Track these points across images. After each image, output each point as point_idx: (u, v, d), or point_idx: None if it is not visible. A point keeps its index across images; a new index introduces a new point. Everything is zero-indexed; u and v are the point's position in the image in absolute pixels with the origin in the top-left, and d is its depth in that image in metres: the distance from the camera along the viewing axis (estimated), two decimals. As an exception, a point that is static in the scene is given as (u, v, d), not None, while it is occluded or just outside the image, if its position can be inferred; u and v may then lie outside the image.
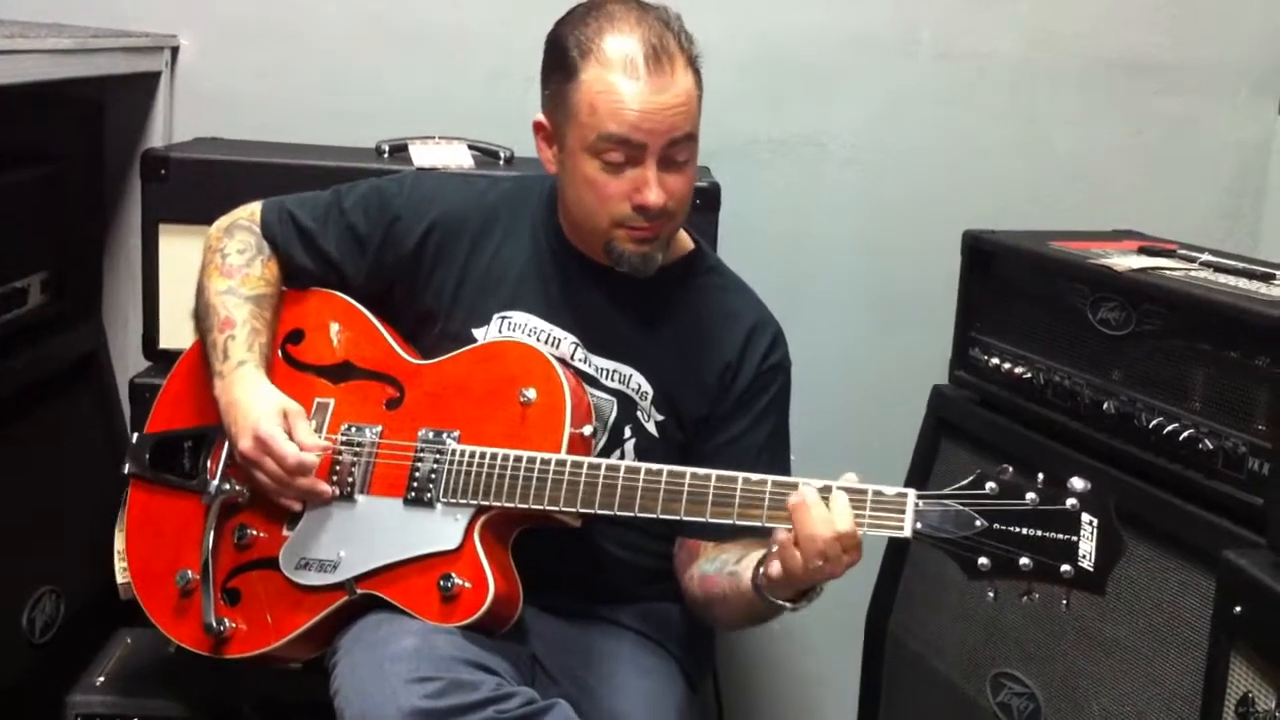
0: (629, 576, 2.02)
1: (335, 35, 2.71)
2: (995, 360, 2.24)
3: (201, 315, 1.99)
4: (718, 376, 1.99)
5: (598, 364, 1.98)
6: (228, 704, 2.03)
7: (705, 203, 2.36)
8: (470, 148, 2.53)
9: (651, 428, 1.99)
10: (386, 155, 2.49)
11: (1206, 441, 1.85)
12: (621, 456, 1.96)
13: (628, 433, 1.98)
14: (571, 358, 1.97)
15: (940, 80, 2.77)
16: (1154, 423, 1.93)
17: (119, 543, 2.00)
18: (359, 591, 1.81)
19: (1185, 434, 1.88)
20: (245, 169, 2.35)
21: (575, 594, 1.99)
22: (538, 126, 1.94)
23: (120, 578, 1.99)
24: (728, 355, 2.00)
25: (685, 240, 2.06)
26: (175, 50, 2.68)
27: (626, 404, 1.98)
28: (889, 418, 2.54)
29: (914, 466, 2.39)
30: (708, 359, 2.00)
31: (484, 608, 1.74)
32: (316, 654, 1.87)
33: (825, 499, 1.66)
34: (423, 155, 2.47)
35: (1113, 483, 1.94)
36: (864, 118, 2.77)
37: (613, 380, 1.98)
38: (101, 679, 2.08)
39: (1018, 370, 2.19)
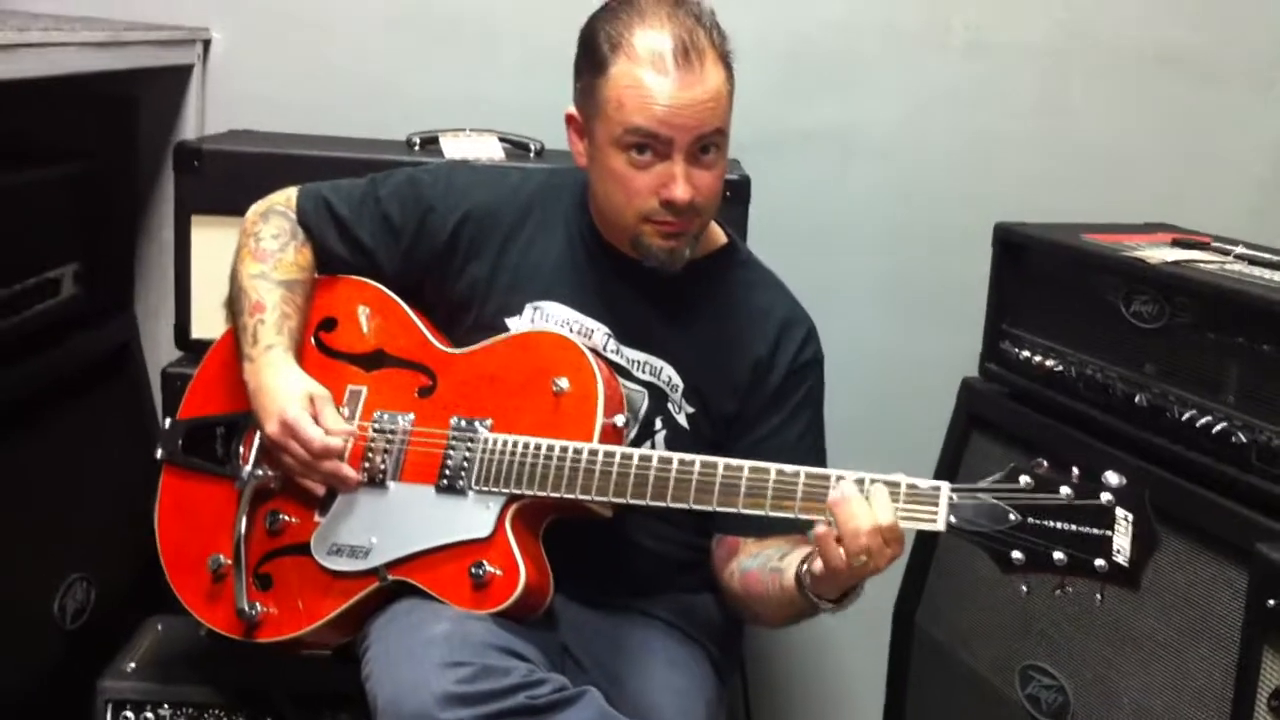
0: (659, 567, 2.02)
1: (366, 28, 2.72)
2: (1026, 353, 2.23)
3: (234, 299, 2.01)
4: (749, 372, 1.99)
5: (629, 355, 1.98)
6: (259, 691, 2.04)
7: (735, 195, 2.36)
8: (501, 140, 2.53)
9: (682, 420, 1.99)
10: (417, 148, 2.49)
11: (1240, 435, 1.84)
12: (652, 448, 1.96)
13: (658, 424, 1.98)
14: (604, 349, 1.97)
15: (971, 72, 2.76)
16: (1187, 416, 1.92)
17: None
18: (390, 578, 1.82)
19: (1218, 427, 1.87)
20: (277, 161, 2.36)
21: (606, 584, 1.99)
22: (569, 119, 1.95)
23: None
24: (759, 351, 2.00)
25: (718, 234, 2.06)
26: (207, 43, 2.70)
27: (658, 396, 1.98)
28: (919, 411, 2.53)
29: (943, 460, 2.38)
30: (739, 354, 2.00)
31: (515, 596, 1.75)
32: (347, 640, 1.88)
33: (863, 492, 1.66)
34: (453, 148, 2.48)
35: (1145, 476, 1.93)
36: (894, 110, 2.76)
37: (644, 372, 1.98)
38: (132, 665, 2.09)
39: (1049, 363, 2.18)
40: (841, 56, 2.75)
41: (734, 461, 1.74)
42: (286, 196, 2.07)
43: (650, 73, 1.82)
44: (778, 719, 2.91)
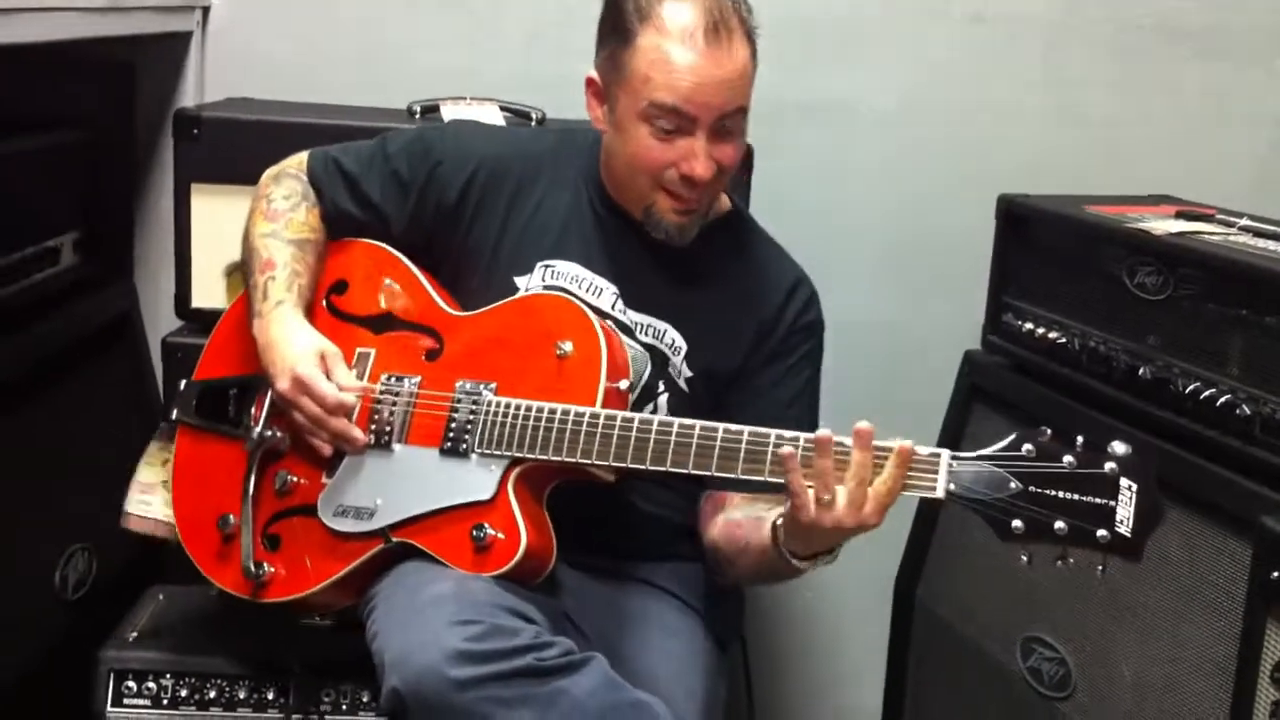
0: (661, 534, 2.03)
1: (367, -5, 2.71)
2: (1029, 325, 2.23)
3: (245, 259, 2.01)
4: (753, 334, 2.01)
5: (634, 318, 1.99)
6: (261, 661, 2.03)
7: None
8: (502, 109, 2.52)
9: (683, 384, 2.00)
10: (418, 116, 2.48)
11: (1244, 407, 1.84)
12: (654, 411, 1.98)
13: (660, 387, 1.99)
14: (611, 309, 1.98)
15: (973, 44, 2.74)
16: (1190, 388, 1.92)
17: (140, 474, 2.03)
18: (394, 540, 1.82)
19: (1222, 399, 1.87)
20: (277, 129, 2.34)
21: (607, 551, 1.99)
22: (589, 83, 1.95)
23: (129, 507, 2.02)
24: (763, 314, 2.02)
25: (723, 201, 2.07)
26: (206, 10, 2.68)
27: (660, 359, 1.99)
28: (921, 382, 2.53)
29: (945, 432, 2.37)
30: (744, 318, 2.01)
31: (516, 559, 1.75)
32: (351, 603, 1.88)
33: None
34: (454, 116, 2.47)
35: (1152, 448, 1.93)
36: (896, 81, 2.75)
37: (647, 335, 1.99)
38: (134, 635, 2.09)
39: (1052, 335, 2.18)
40: (844, 28, 2.74)
41: (734, 426, 1.74)
42: (299, 160, 2.08)
43: (679, 48, 1.82)
44: (778, 692, 2.92)
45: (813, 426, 1.94)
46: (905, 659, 2.49)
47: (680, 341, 1.99)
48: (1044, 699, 2.11)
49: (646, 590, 2.01)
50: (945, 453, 1.64)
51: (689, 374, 2.00)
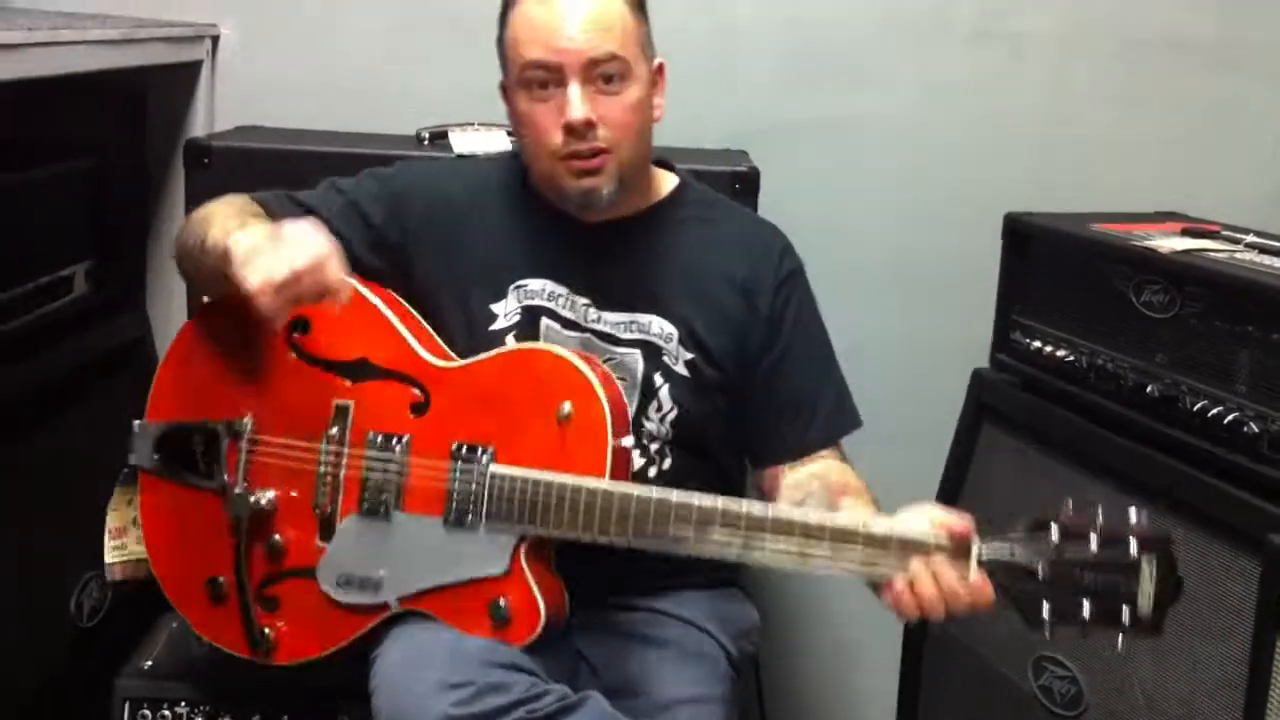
0: (674, 568, 2.00)
1: (375, 24, 2.72)
2: (1037, 343, 2.23)
3: (186, 249, 1.91)
4: (739, 298, 1.99)
5: (611, 319, 1.96)
6: (274, 688, 2.04)
7: (744, 187, 2.36)
8: (509, 134, 2.53)
9: (681, 369, 1.97)
10: (427, 142, 2.49)
11: (1252, 424, 1.84)
12: (659, 408, 1.95)
13: (658, 380, 1.96)
14: (585, 320, 1.96)
15: (978, 61, 2.75)
16: (1198, 406, 1.92)
17: (110, 521, 2.00)
18: (403, 609, 1.81)
19: (1230, 417, 1.87)
20: (288, 157, 2.36)
21: (619, 582, 1.98)
22: (501, 89, 1.97)
23: (109, 556, 2.00)
24: (739, 272, 2.00)
25: (670, 179, 2.07)
26: (216, 39, 2.70)
27: (651, 352, 1.96)
28: (929, 402, 2.53)
29: (954, 451, 2.38)
30: (719, 284, 1.99)
31: (536, 633, 1.74)
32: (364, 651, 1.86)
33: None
34: (462, 142, 2.48)
35: (1156, 467, 1.94)
36: (902, 99, 2.75)
37: (631, 332, 1.96)
38: (149, 664, 2.11)
39: (1060, 353, 2.18)
40: (848, 46, 2.74)
41: (758, 504, 1.71)
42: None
43: (536, 5, 1.87)
44: (791, 712, 2.91)
45: (835, 366, 2.02)
46: (918, 678, 2.48)
47: (669, 328, 1.96)
48: (1056, 718, 2.10)
49: (661, 618, 2.00)
50: (975, 545, 1.64)
51: (688, 356, 1.96)
